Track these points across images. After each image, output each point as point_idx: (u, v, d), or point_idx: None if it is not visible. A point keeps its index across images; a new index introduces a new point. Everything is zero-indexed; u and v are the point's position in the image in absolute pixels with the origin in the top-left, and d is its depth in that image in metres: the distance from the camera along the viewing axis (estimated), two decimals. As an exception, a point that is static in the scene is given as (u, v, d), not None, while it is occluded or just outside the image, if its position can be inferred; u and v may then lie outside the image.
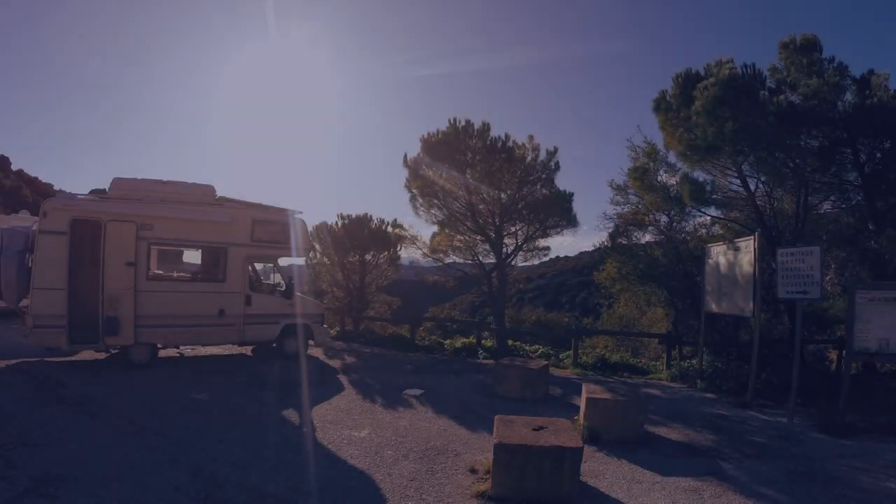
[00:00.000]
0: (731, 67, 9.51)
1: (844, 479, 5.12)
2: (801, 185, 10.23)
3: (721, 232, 11.93)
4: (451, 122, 12.86)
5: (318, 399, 7.29)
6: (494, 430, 4.65)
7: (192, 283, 9.49)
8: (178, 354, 9.88)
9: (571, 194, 13.23)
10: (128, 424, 5.66)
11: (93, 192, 8.81)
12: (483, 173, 12.77)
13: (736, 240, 9.23)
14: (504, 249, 13.71)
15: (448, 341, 13.35)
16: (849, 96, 9.88)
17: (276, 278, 10.89)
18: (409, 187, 13.50)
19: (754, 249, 8.23)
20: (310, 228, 11.80)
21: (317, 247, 14.93)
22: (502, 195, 13.22)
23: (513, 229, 13.78)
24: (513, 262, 14.45)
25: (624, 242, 13.23)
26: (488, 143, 12.75)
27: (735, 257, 8.93)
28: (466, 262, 14.66)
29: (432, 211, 13.59)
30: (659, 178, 12.04)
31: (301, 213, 10.10)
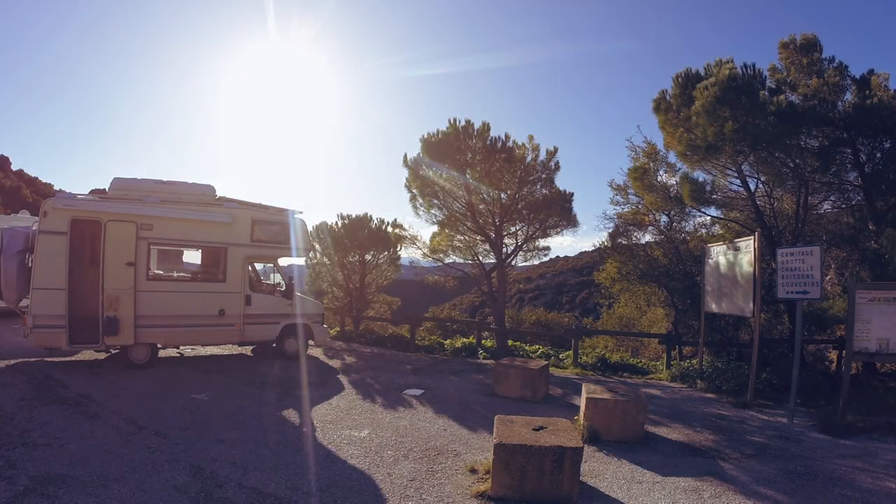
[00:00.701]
0: (731, 67, 9.51)
1: (844, 479, 5.12)
2: (801, 185, 10.24)
3: (721, 232, 11.94)
4: (451, 122, 12.87)
5: (318, 399, 7.29)
6: (494, 430, 4.65)
7: (192, 283, 9.49)
8: (178, 354, 9.88)
9: (571, 194, 13.28)
10: (128, 424, 5.66)
11: (93, 192, 8.82)
12: (483, 173, 12.77)
13: (736, 240, 9.23)
14: (504, 249, 13.73)
15: (448, 341, 13.35)
16: (849, 96, 9.90)
17: (276, 278, 10.89)
18: (409, 187, 13.52)
19: (754, 249, 8.22)
20: (310, 228, 11.82)
21: (317, 247, 14.95)
22: (502, 195, 13.24)
23: (513, 229, 13.80)
24: (513, 262, 14.46)
25: (624, 242, 13.25)
26: (488, 143, 12.76)
27: (735, 257, 8.93)
28: (466, 262, 14.70)
29: (432, 211, 13.62)
30: (659, 178, 12.09)
31: (301, 213, 10.14)
